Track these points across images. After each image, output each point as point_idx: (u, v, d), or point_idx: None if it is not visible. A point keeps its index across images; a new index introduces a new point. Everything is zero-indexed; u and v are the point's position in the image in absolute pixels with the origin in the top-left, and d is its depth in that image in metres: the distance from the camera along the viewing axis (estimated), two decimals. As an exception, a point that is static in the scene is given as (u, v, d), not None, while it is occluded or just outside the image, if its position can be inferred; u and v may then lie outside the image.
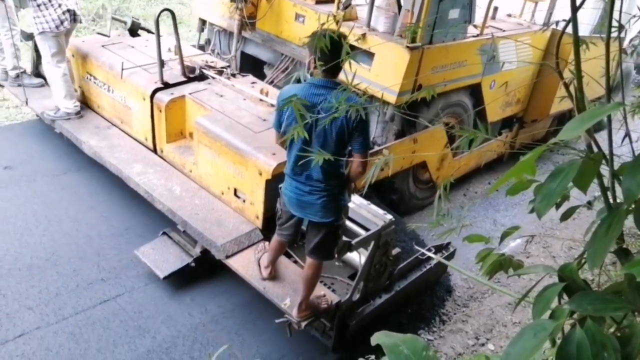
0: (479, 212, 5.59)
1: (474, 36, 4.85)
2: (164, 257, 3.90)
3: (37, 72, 5.42)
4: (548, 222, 5.56)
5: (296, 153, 2.87)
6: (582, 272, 1.40)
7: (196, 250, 3.95)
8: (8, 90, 5.39)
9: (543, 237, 5.19)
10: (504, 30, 5.27)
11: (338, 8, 4.66)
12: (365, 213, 3.57)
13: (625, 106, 1.38)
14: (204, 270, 3.96)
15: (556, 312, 1.13)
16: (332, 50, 2.43)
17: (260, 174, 3.67)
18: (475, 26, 4.96)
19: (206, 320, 3.72)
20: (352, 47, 4.43)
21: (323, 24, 3.16)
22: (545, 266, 1.41)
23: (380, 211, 3.55)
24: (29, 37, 5.16)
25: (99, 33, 5.30)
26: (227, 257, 3.60)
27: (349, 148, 2.87)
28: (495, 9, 5.36)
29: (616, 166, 1.30)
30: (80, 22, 4.60)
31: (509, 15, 5.92)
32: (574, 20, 1.28)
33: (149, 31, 5.41)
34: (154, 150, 4.55)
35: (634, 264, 1.07)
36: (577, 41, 1.28)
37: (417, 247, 3.88)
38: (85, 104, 5.12)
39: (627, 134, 1.63)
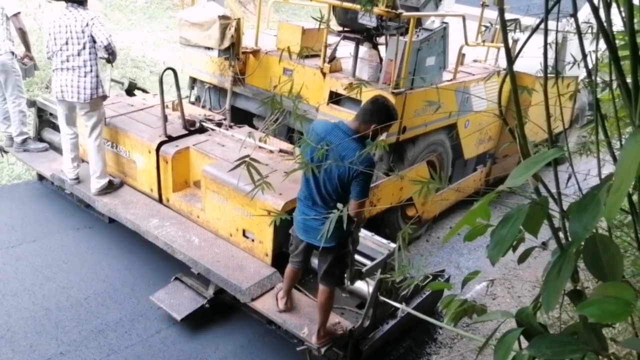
0: (442, 257, 5.62)
1: (448, 81, 5.33)
2: (178, 300, 4.07)
3: (40, 137, 5.65)
4: (511, 263, 5.56)
5: (309, 180, 3.18)
6: (542, 313, 1.41)
7: (209, 292, 4.14)
8: (14, 156, 5.59)
9: (506, 278, 5.24)
10: (473, 75, 5.78)
11: (324, 61, 5.08)
12: (370, 244, 3.88)
13: (566, 152, 1.42)
14: (169, 339, 3.97)
15: (517, 359, 1.17)
16: (365, 108, 3.13)
17: (269, 214, 3.94)
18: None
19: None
20: (337, 95, 4.91)
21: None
22: (503, 312, 1.47)
23: (385, 241, 3.86)
24: (32, 104, 5.43)
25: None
26: (253, 300, 3.79)
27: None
28: (463, 55, 5.89)
29: (566, 206, 1.33)
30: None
31: (475, 61, 6.47)
32: (510, 71, 1.40)
33: (144, 90, 5.73)
34: (160, 200, 4.78)
35: (585, 305, 1.08)
36: (516, 90, 1.40)
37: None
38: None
39: (570, 176, 1.79)
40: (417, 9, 5.20)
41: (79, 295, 4.27)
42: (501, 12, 1.43)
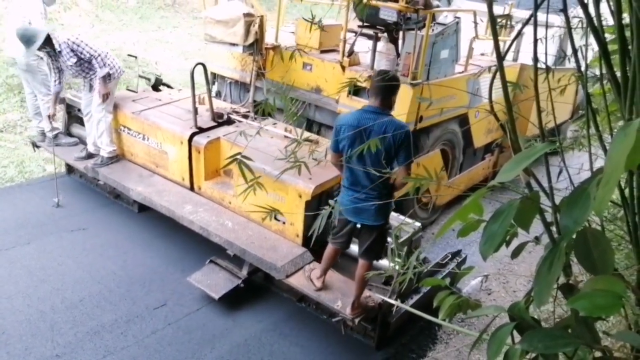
0: (436, 253, 5.41)
1: (460, 73, 5.62)
2: (215, 281, 4.34)
3: (69, 132, 5.91)
4: (505, 257, 5.50)
5: (353, 168, 3.45)
6: (535, 307, 1.38)
7: (243, 273, 4.41)
8: (46, 150, 5.83)
9: (501, 273, 5.29)
10: (482, 67, 6.06)
11: (343, 55, 5.35)
12: (395, 223, 4.14)
13: (556, 147, 1.41)
14: (164, 340, 3.97)
15: (509, 353, 1.15)
16: (379, 85, 3.36)
17: (300, 197, 4.22)
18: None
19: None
20: (356, 86, 5.18)
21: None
22: (496, 307, 1.47)
23: (409, 220, 4.13)
24: (61, 101, 5.67)
25: (128, 89, 5.84)
26: (287, 276, 4.07)
27: (395, 162, 3.46)
28: (472, 49, 6.17)
29: (558, 200, 1.31)
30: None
31: (482, 54, 6.75)
32: (500, 66, 1.44)
33: (168, 86, 5.99)
34: (191, 188, 5.04)
35: (576, 298, 1.08)
36: (506, 86, 1.43)
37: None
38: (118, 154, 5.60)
39: (561, 170, 1.82)
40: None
41: (74, 297, 4.25)
42: (489, 6, 1.48)
